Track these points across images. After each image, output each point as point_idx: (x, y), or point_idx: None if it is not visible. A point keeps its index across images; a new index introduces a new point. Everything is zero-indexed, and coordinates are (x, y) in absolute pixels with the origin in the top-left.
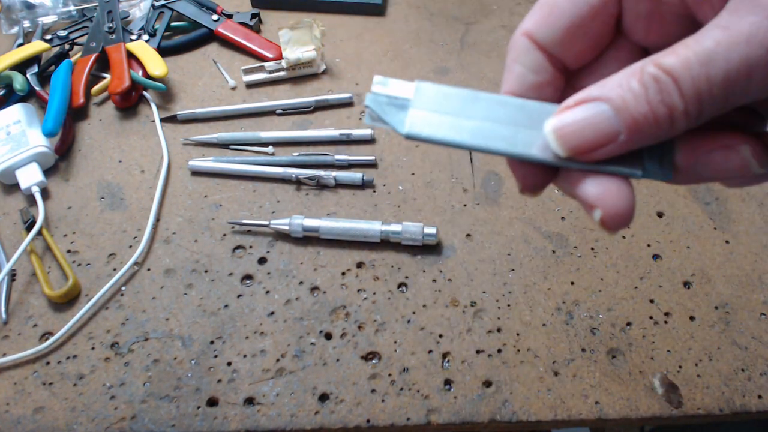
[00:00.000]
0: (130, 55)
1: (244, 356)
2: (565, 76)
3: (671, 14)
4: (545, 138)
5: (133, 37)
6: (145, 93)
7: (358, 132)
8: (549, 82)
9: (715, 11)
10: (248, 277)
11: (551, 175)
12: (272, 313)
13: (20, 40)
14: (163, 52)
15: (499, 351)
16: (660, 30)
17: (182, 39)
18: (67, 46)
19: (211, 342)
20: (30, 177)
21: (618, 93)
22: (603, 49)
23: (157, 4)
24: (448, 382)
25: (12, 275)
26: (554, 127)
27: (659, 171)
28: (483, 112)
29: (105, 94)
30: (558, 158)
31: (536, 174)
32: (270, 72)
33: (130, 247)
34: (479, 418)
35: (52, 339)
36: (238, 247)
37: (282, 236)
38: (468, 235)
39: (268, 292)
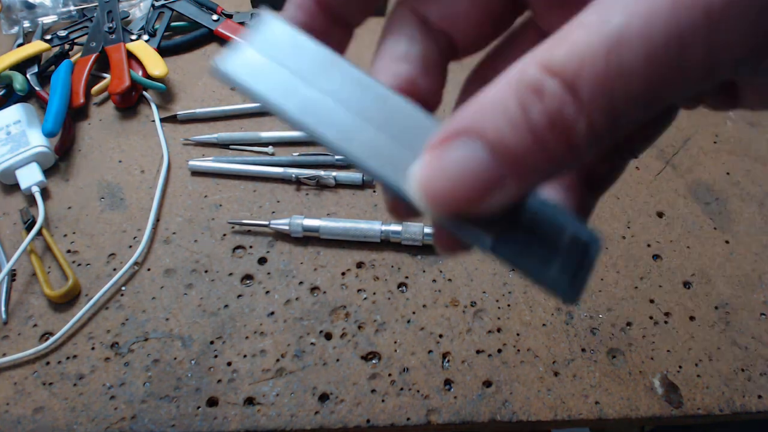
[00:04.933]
0: (130, 55)
1: (244, 356)
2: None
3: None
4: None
5: (133, 37)
6: (145, 93)
7: None
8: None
9: None
10: (248, 277)
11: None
12: (272, 313)
13: (20, 40)
14: (163, 52)
15: (499, 351)
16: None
17: (182, 39)
18: (67, 46)
19: (211, 342)
20: (30, 177)
21: (492, 121)
22: (498, 29)
23: (157, 4)
24: (448, 382)
25: (12, 275)
26: (419, 181)
27: (559, 279)
28: (332, 85)
29: (105, 94)
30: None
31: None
32: None
33: (130, 247)
34: (479, 418)
35: (52, 339)
36: (238, 247)
37: (282, 236)
38: None
39: (268, 292)
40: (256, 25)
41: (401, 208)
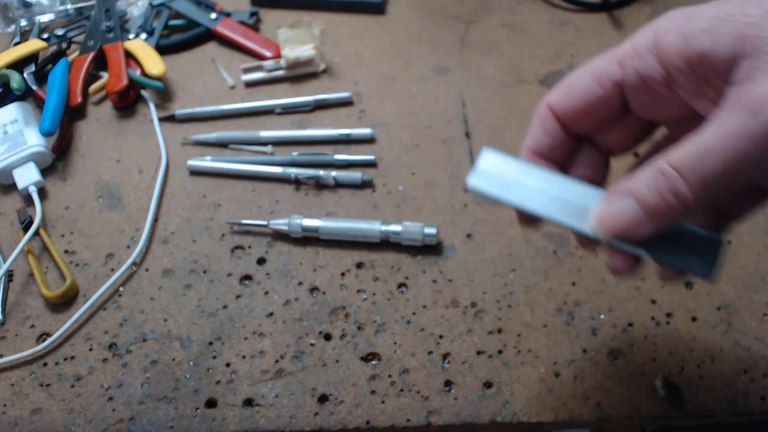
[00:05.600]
0: (128, 54)
1: (243, 357)
2: (575, 140)
3: (670, 103)
4: (588, 218)
5: (131, 35)
6: (143, 92)
7: (357, 131)
8: (561, 145)
9: (714, 104)
10: (247, 277)
11: None
12: (271, 313)
13: (17, 39)
14: (161, 50)
15: (500, 352)
16: (661, 113)
17: (180, 38)
18: (64, 45)
19: (210, 343)
20: (27, 177)
21: (639, 188)
22: (610, 123)
23: (155, 2)
24: (448, 383)
25: (9, 276)
26: (595, 217)
27: (700, 266)
28: (535, 183)
29: (103, 93)
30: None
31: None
32: (269, 71)
33: (128, 247)
34: (480, 419)
35: (49, 340)
36: (236, 248)
37: (281, 236)
38: (468, 235)
39: (267, 292)
40: (480, 156)
41: (587, 241)
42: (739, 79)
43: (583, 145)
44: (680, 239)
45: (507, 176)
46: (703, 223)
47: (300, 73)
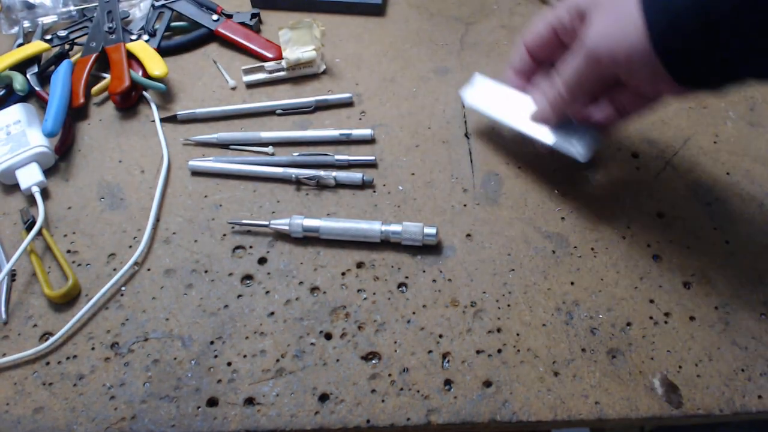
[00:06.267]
0: (130, 55)
1: (244, 356)
2: (539, 64)
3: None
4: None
5: (133, 37)
6: (145, 93)
7: (358, 132)
8: (530, 68)
9: None
10: (248, 277)
11: None
12: (272, 313)
13: (20, 40)
14: (163, 52)
15: (499, 351)
16: None
17: (182, 39)
18: (67, 46)
19: (211, 342)
20: (30, 177)
21: (546, 90)
22: (558, 52)
23: (157, 4)
24: (448, 383)
25: (12, 275)
26: (533, 113)
27: (580, 149)
28: (508, 101)
29: (105, 94)
30: (528, 129)
31: None
32: (270, 72)
33: (130, 247)
34: (479, 418)
35: (52, 339)
36: (238, 248)
37: (282, 236)
38: (468, 235)
39: (268, 292)
40: (473, 79)
41: (530, 140)
42: (586, 22)
43: (547, 68)
44: (574, 134)
45: (489, 95)
46: (607, 117)
47: (301, 74)
